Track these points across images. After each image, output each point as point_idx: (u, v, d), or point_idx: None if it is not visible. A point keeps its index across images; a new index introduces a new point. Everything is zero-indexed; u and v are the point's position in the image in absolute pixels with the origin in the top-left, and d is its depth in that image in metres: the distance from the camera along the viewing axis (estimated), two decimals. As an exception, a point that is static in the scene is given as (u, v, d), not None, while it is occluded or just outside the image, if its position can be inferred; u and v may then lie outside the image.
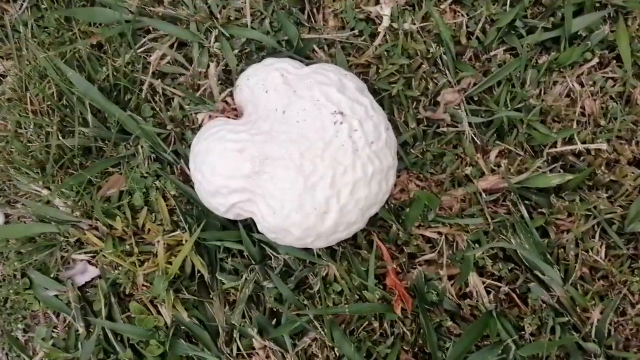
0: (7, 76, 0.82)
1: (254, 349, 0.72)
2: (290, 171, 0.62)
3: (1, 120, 0.81)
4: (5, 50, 0.82)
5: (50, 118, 0.78)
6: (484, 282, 0.70)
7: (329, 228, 0.64)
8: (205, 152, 0.66)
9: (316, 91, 0.64)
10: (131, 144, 0.76)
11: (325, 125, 0.63)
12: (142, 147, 0.75)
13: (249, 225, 0.72)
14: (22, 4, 0.82)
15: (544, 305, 0.68)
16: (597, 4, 0.74)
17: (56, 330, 0.78)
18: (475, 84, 0.73)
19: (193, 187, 0.72)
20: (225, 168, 0.64)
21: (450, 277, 0.70)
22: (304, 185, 0.62)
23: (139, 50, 0.78)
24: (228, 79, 0.77)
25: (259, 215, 0.65)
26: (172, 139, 0.76)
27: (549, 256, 0.68)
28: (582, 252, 0.69)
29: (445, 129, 0.73)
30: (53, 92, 0.78)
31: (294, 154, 0.62)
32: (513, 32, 0.75)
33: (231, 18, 0.77)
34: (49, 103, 0.78)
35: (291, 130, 0.64)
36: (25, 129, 0.79)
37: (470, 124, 0.72)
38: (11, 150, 0.79)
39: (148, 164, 0.76)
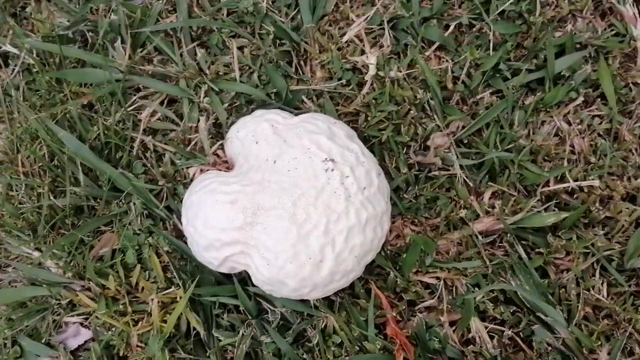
0: (-3, 139, 0.82)
1: (253, 408, 0.70)
2: (284, 221, 0.62)
3: (-8, 184, 0.81)
4: (-4, 115, 0.82)
5: (42, 179, 0.78)
6: (486, 327, 0.68)
7: (325, 277, 0.63)
8: (197, 205, 0.65)
9: (306, 140, 0.65)
10: (123, 201, 0.76)
11: (316, 173, 0.63)
12: (134, 204, 0.75)
13: (244, 278, 0.71)
14: (13, 69, 0.83)
15: (550, 348, 0.66)
16: (578, 45, 0.76)
17: (48, 399, 0.76)
18: (464, 127, 0.73)
19: (186, 242, 0.71)
20: (217, 220, 0.63)
21: (451, 323, 0.69)
22: (298, 234, 0.61)
23: (129, 109, 0.79)
24: (219, 133, 0.77)
25: (253, 267, 0.64)
26: (165, 195, 0.76)
27: (550, 297, 0.67)
28: (584, 291, 0.68)
29: (437, 173, 0.73)
30: (44, 153, 0.78)
31: (287, 203, 0.62)
32: (498, 75, 0.76)
33: (220, 73, 0.78)
34: (40, 164, 0.78)
35: (283, 180, 0.63)
36: (17, 191, 0.79)
37: (461, 167, 0.72)
38: (2, 213, 0.79)
39: (140, 220, 0.75)
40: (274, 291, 0.65)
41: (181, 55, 0.80)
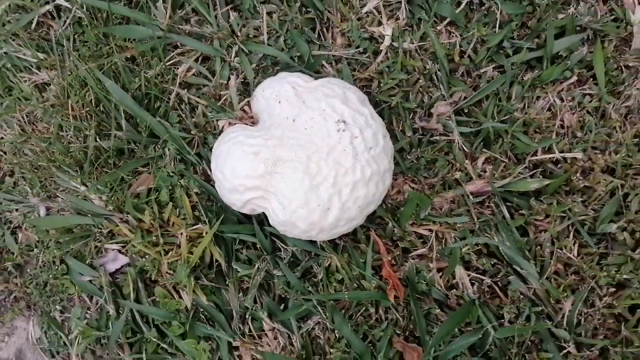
0: (50, 84, 0.92)
1: (263, 330, 0.81)
2: (298, 172, 0.71)
3: (45, 123, 0.91)
4: (50, 62, 0.92)
5: (89, 122, 0.88)
6: (469, 275, 0.78)
7: (331, 222, 0.73)
8: (226, 154, 0.75)
9: (323, 102, 0.74)
10: (159, 146, 0.86)
11: (330, 133, 0.72)
12: (169, 149, 0.85)
13: (262, 220, 0.81)
14: (65, 21, 0.92)
15: (522, 296, 0.76)
16: (578, 27, 0.82)
17: (89, 312, 0.88)
18: (465, 98, 0.82)
19: (213, 186, 0.82)
20: (242, 169, 0.73)
21: (439, 270, 0.79)
22: (310, 184, 0.71)
23: (168, 64, 0.88)
24: (246, 90, 0.86)
25: (270, 210, 0.74)
26: (196, 143, 0.86)
27: (527, 253, 0.77)
28: (557, 249, 0.77)
29: (437, 138, 0.81)
30: (92, 99, 0.88)
31: (302, 157, 0.72)
32: (501, 51, 0.83)
33: (250, 35, 0.87)
34: (87, 109, 0.88)
35: (300, 137, 0.73)
36: (66, 132, 0.89)
37: (460, 134, 0.80)
38: (53, 151, 0.90)
39: (174, 164, 0.85)
40: (287, 231, 0.75)
41: (216, 17, 0.88)
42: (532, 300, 0.76)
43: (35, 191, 0.91)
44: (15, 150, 0.93)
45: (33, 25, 0.94)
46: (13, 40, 0.94)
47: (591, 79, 0.82)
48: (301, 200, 0.71)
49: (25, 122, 0.93)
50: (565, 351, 0.74)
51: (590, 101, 0.81)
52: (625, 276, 0.75)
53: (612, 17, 0.83)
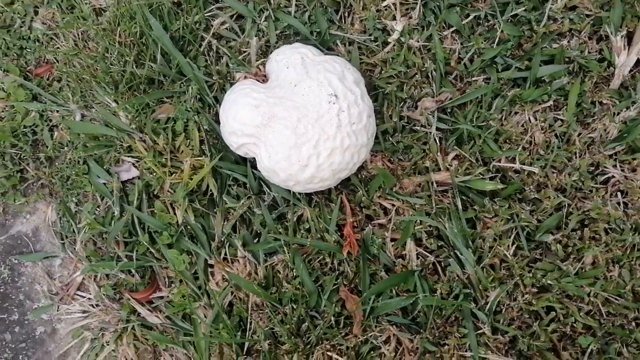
0: (106, 11, 1.06)
1: (236, 257, 0.95)
2: (288, 130, 0.84)
3: (95, 43, 1.05)
4: (109, -8, 1.06)
5: (130, 50, 1.02)
6: (417, 250, 0.90)
7: (307, 178, 0.85)
8: (233, 101, 0.88)
9: (322, 75, 0.85)
10: (184, 83, 1.00)
11: (321, 102, 0.84)
12: (192, 88, 0.98)
13: (254, 165, 0.94)
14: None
15: (457, 278, 0.88)
16: (567, 59, 0.92)
17: (98, 209, 1.03)
18: (451, 99, 0.92)
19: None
20: (243, 117, 0.86)
21: (392, 240, 0.91)
22: (295, 142, 0.83)
23: (206, 14, 1.01)
24: (266, 51, 0.99)
25: (259, 156, 0.87)
26: (216, 87, 0.99)
27: (470, 242, 0.88)
28: (497, 246, 0.88)
29: (418, 128, 0.93)
30: (137, 31, 1.02)
31: (294, 118, 0.84)
32: (494, 65, 0.93)
33: (281, 5, 0.99)
34: (132, 39, 1.02)
35: (296, 100, 0.85)
36: (110, 54, 1.03)
37: (437, 129, 0.92)
38: (97, 68, 1.04)
39: (193, 102, 0.99)
40: (270, 177, 0.88)
41: (256, -19, 1.00)
42: (464, 283, 0.88)
43: (76, 99, 1.06)
44: (67, 60, 1.07)
45: (102, -44, 1.08)
46: (83, -35, 1.08)
47: (565, 107, 0.91)
48: (285, 154, 0.84)
49: (79, 38, 1.08)
50: (480, 331, 0.86)
51: (560, 125, 0.91)
52: (549, 281, 0.85)
53: (600, 56, 0.92)
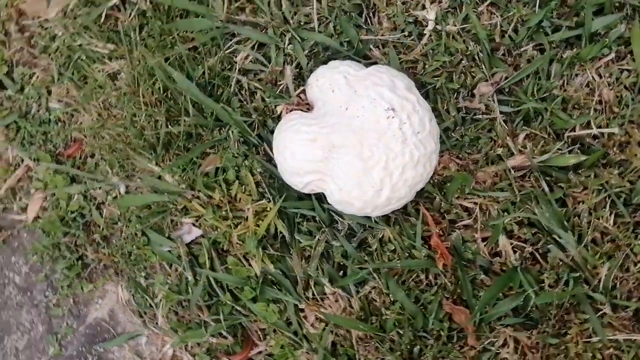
0: (121, 73, 1.01)
1: (325, 294, 0.91)
2: (352, 157, 0.79)
3: (119, 109, 1.01)
4: (119, 52, 1.00)
5: (159, 109, 0.97)
6: (511, 243, 0.85)
7: (383, 201, 0.81)
8: (286, 140, 0.83)
9: (372, 91, 0.80)
10: (223, 130, 0.95)
11: (379, 120, 0.79)
12: (232, 132, 0.93)
13: (320, 196, 0.89)
14: (130, 13, 1.00)
15: (561, 262, 0.83)
16: (617, 4, 0.85)
17: (170, 278, 1.00)
18: (506, 78, 0.87)
19: (274, 165, 0.90)
20: (301, 154, 0.81)
21: (483, 239, 0.86)
22: (363, 168, 0.79)
23: (227, 52, 0.95)
24: (300, 75, 0.93)
25: (328, 191, 0.83)
26: (256, 125, 0.94)
27: (565, 223, 0.83)
28: (594, 219, 0.83)
29: (480, 117, 0.87)
30: (160, 87, 0.97)
31: (355, 143, 0.79)
32: (541, 30, 0.87)
33: (301, 23, 0.93)
34: (156, 96, 0.97)
35: (352, 124, 0.80)
36: (139, 117, 0.99)
37: (501, 112, 0.86)
38: (128, 135, 0.99)
39: (237, 146, 0.94)
40: (344, 209, 0.84)
41: (269, 4, 0.94)
42: (570, 266, 0.83)
43: (115, 171, 1.02)
44: (95, 134, 1.03)
45: (102, 19, 1.02)
46: (85, 33, 1.02)
47: (629, 55, 0.85)
48: (355, 182, 0.79)
49: (101, 108, 1.03)
50: (601, 312, 0.81)
51: (628, 77, 0.85)
52: (659, 242, 0.81)
53: (653, -9, 0.86)
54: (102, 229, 1.03)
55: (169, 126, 0.96)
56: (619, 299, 0.82)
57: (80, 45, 1.03)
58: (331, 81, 0.83)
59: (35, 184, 1.06)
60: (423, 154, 0.80)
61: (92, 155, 1.05)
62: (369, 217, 0.88)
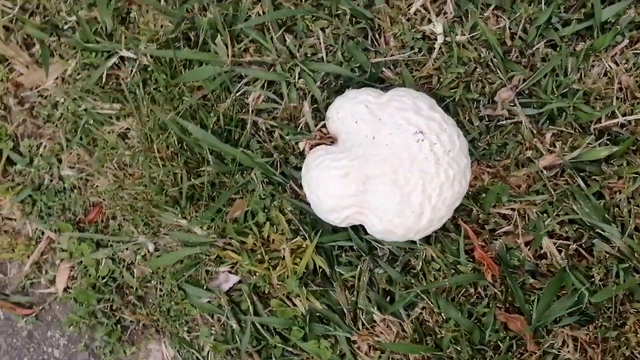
0: (131, 131, 0.99)
1: (375, 322, 0.90)
2: (388, 186, 0.78)
3: (136, 169, 0.99)
4: (127, 111, 0.99)
5: (177, 162, 0.95)
6: (555, 243, 0.85)
7: (425, 224, 0.80)
8: (317, 179, 0.82)
9: (397, 117, 0.79)
10: (246, 173, 0.93)
11: (409, 144, 0.78)
12: (255, 174, 0.92)
13: (355, 225, 0.88)
14: (131, 70, 0.98)
15: (607, 255, 0.83)
16: (624, -10, 0.85)
17: (214, 328, 0.98)
18: (524, 80, 0.86)
19: (302, 201, 0.90)
20: (335, 190, 0.80)
21: (526, 244, 0.86)
22: (401, 195, 0.78)
23: (237, 95, 0.94)
24: (316, 107, 0.92)
25: (368, 222, 0.82)
26: (278, 164, 0.92)
27: (606, 215, 0.83)
28: (634, 207, 0.83)
29: (504, 122, 0.87)
30: (174, 140, 0.95)
31: (388, 171, 0.78)
32: (550, 26, 0.86)
33: (308, 55, 0.92)
34: (172, 150, 0.96)
35: (382, 152, 0.79)
36: (157, 173, 0.97)
37: (525, 115, 0.85)
38: (149, 193, 0.98)
39: (263, 188, 0.92)
40: (385, 238, 0.83)
41: (272, 41, 0.93)
42: (617, 257, 0.83)
43: (140, 229, 1.00)
44: (113, 195, 1.01)
45: (103, 79, 1.00)
46: (88, 96, 1.00)
47: (642, 39, 0.85)
48: (395, 211, 0.78)
49: (116, 169, 1.01)
50: (655, 298, 0.82)
51: (645, 60, 0.85)
52: (701, 219, 0.81)
53: (656, -28, 0.85)
54: (136, 289, 1.02)
55: (191, 178, 0.94)
56: (671, 283, 0.82)
57: (85, 109, 1.01)
58: (353, 112, 0.82)
59: (60, 255, 1.04)
60: (457, 171, 0.79)
61: (114, 217, 1.03)
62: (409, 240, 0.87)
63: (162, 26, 0.97)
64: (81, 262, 1.03)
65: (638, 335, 0.82)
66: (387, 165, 0.78)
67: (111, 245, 1.02)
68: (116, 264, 1.02)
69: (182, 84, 0.95)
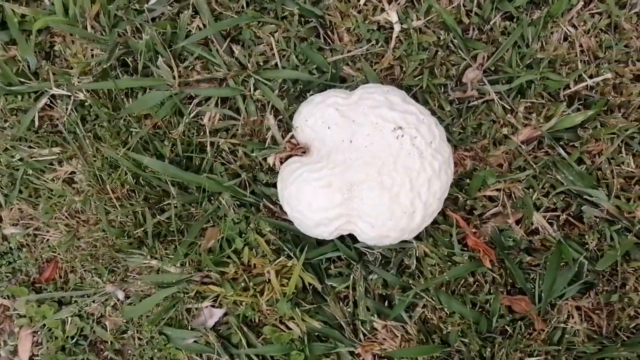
0: (78, 174, 0.90)
1: (376, 330, 0.86)
2: (375, 190, 0.74)
3: (90, 214, 0.90)
4: (69, 153, 0.89)
5: (136, 200, 0.87)
6: (545, 217, 0.83)
7: (419, 222, 0.76)
8: (297, 194, 0.76)
9: (372, 116, 0.75)
10: (213, 199, 0.87)
11: (390, 143, 0.74)
12: (224, 199, 0.86)
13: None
14: (66, 107, 0.89)
15: (597, 219, 0.82)
16: (569, -47, 0.84)
17: (206, 368, 0.91)
18: (488, 57, 0.84)
19: (281, 218, 0.85)
20: (319, 203, 0.75)
21: (517, 222, 0.84)
22: (389, 196, 0.74)
23: (191, 117, 0.87)
24: (277, 116, 0.86)
25: (359, 230, 0.77)
26: (247, 184, 0.86)
27: (590, 180, 0.82)
28: (616, 167, 0.82)
29: (475, 103, 0.84)
30: (128, 177, 0.87)
31: (373, 174, 0.74)
32: (503, -1, 0.85)
33: (260, 64, 0.86)
34: (128, 187, 0.87)
35: (363, 155, 0.75)
36: (115, 215, 0.88)
37: (495, 92, 0.83)
38: (109, 237, 0.89)
39: (234, 211, 0.86)
40: (378, 243, 0.79)
41: (218, 53, 0.86)
42: (607, 220, 0.82)
43: (105, 278, 0.92)
44: (68, 247, 0.92)
45: (36, 123, 0.90)
46: (21, 144, 0.90)
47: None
48: (387, 214, 0.74)
49: (68, 217, 0.92)
50: (652, 253, 0.81)
51: (600, 19, 0.84)
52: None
53: None
54: (112, 343, 0.93)
55: (155, 215, 0.86)
56: (663, 236, 0.82)
57: (20, 159, 0.90)
58: (323, 117, 0.77)
59: (19, 322, 0.94)
60: (442, 161, 0.76)
61: (73, 271, 0.94)
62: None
63: (93, 56, 0.89)
64: (44, 325, 0.93)
65: (639, 293, 0.82)
66: (371, 168, 0.74)
67: (75, 301, 0.93)
68: (84, 320, 0.93)
69: (128, 115, 0.86)
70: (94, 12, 0.88)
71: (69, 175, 0.91)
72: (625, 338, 0.82)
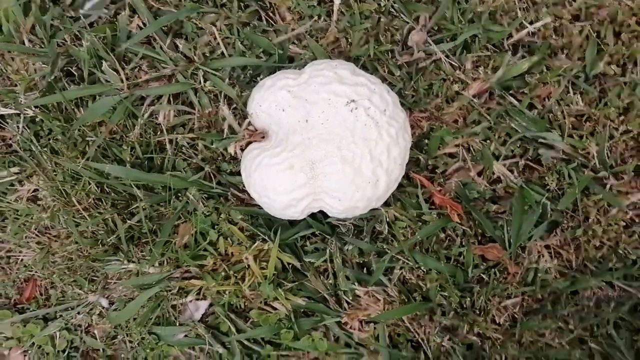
0: (40, 190, 0.89)
1: (359, 297, 0.88)
2: (337, 165, 0.75)
3: (61, 228, 0.90)
4: (29, 171, 0.88)
5: (104, 208, 0.87)
6: (505, 165, 0.86)
7: (384, 189, 0.78)
8: (262, 180, 0.77)
9: (324, 93, 0.76)
10: (181, 196, 0.87)
11: (345, 117, 0.75)
12: (191, 194, 0.86)
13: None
14: (17, 126, 0.88)
15: (555, 160, 0.85)
16: None
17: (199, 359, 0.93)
18: (430, 17, 0.85)
19: (250, 204, 0.86)
20: (285, 187, 0.76)
21: (478, 174, 0.86)
22: (352, 169, 0.75)
23: (145, 117, 0.86)
24: (231, 105, 0.86)
25: (327, 206, 0.79)
26: (212, 176, 0.87)
27: (544, 123, 0.84)
28: (565, 107, 0.85)
29: (424, 64, 0.85)
30: (92, 186, 0.87)
31: (333, 150, 0.75)
32: (437, -47, 0.85)
33: (206, 54, 0.85)
34: (93, 196, 0.87)
35: (320, 133, 0.76)
36: (86, 226, 0.88)
37: (441, 51, 0.84)
38: (83, 249, 0.89)
39: (203, 204, 0.87)
40: (348, 216, 0.80)
41: (162, 50, 0.85)
42: (564, 159, 0.85)
43: (87, 289, 0.92)
44: (44, 264, 0.92)
45: (-14, 149, 0.89)
46: (-24, 169, 0.89)
47: (525, -57, 0.86)
48: (352, 187, 0.76)
49: (38, 235, 0.91)
50: (608, 186, 0.85)
51: (533, -37, 0.85)
52: (626, 101, 0.84)
53: None
54: (104, 350, 0.94)
55: (125, 220, 0.87)
56: (616, 166, 0.85)
57: (-23, 185, 0.90)
58: (276, 101, 0.78)
59: (7, 344, 0.94)
60: (398, 127, 0.77)
61: (53, 286, 0.94)
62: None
63: (35, 70, 0.87)
64: (33, 343, 0.93)
65: (602, 224, 0.85)
66: (330, 145, 0.75)
67: (61, 316, 0.93)
68: (73, 333, 0.94)
69: (81, 125, 0.86)
70: (29, 25, 0.86)
71: (33, 194, 0.90)
72: (593, 268, 0.86)
